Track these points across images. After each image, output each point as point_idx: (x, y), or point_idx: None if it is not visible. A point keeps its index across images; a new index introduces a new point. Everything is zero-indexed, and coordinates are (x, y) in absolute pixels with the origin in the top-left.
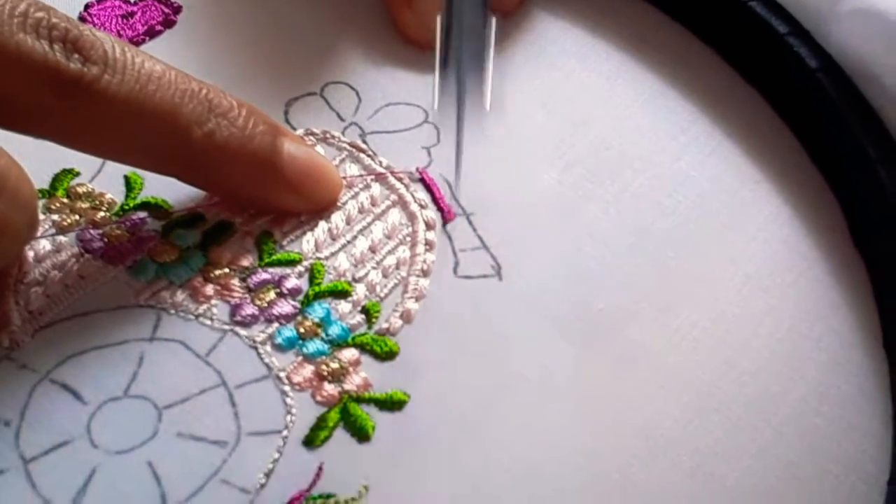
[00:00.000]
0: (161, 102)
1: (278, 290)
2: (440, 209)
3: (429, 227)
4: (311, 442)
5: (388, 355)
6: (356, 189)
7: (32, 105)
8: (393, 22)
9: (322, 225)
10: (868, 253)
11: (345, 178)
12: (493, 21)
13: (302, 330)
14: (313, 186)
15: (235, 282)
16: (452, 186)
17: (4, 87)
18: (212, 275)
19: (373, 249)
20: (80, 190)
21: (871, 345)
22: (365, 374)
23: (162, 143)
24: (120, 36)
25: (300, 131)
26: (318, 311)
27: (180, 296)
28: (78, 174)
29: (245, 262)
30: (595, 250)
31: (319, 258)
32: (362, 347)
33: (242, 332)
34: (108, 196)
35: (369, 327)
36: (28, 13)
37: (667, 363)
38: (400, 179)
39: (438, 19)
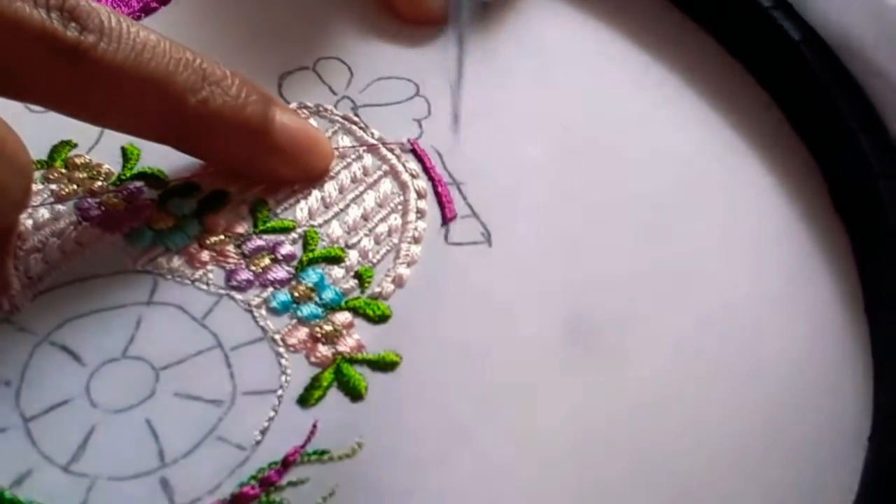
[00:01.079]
0: (156, 70)
1: (273, 256)
2: (431, 179)
3: (420, 195)
4: (305, 401)
5: (380, 318)
6: (348, 160)
7: (30, 72)
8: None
9: (315, 194)
10: (849, 220)
11: (337, 148)
12: None
13: (296, 294)
14: (305, 155)
15: (231, 248)
16: (443, 156)
17: (2, 54)
18: (207, 241)
19: (365, 217)
20: (77, 161)
21: (852, 309)
22: (358, 337)
23: (157, 111)
24: None
25: (293, 104)
26: (311, 276)
27: (176, 262)
28: (75, 146)
29: (240, 230)
30: (582, 217)
31: (313, 226)
32: (355, 311)
33: (238, 296)
34: (106, 167)
35: (362, 291)
36: None
37: (650, 326)
38: (391, 150)
39: None
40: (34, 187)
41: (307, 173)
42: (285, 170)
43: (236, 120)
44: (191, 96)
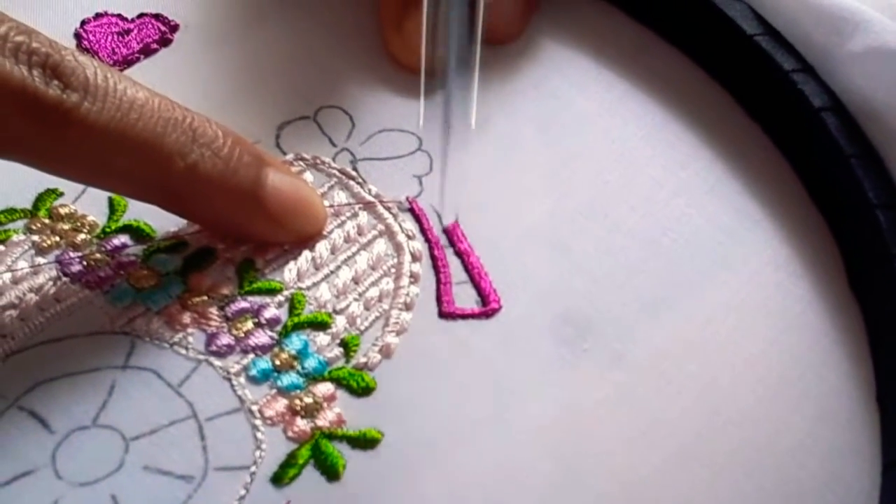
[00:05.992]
0: (143, 132)
1: (256, 320)
2: (428, 240)
3: (415, 258)
4: (279, 479)
5: (364, 391)
6: (343, 217)
7: (10, 131)
8: (384, 46)
9: (306, 254)
10: (865, 299)
11: (332, 206)
12: (479, 37)
13: (278, 362)
14: (297, 219)
15: (213, 310)
16: (441, 215)
17: None
18: (190, 302)
19: (356, 280)
20: (62, 211)
21: (862, 395)
22: (339, 410)
23: (143, 173)
24: (115, 53)
25: (290, 156)
26: (295, 342)
27: (156, 323)
28: (61, 194)
29: (225, 290)
30: (584, 288)
31: (301, 288)
32: (338, 382)
33: (217, 362)
34: (90, 218)
35: (347, 361)
36: (8, 37)
37: (651, 408)
38: (388, 209)
39: (423, 39)
40: (15, 238)
41: (298, 237)
42: (275, 234)
43: (226, 184)
44: (179, 160)
